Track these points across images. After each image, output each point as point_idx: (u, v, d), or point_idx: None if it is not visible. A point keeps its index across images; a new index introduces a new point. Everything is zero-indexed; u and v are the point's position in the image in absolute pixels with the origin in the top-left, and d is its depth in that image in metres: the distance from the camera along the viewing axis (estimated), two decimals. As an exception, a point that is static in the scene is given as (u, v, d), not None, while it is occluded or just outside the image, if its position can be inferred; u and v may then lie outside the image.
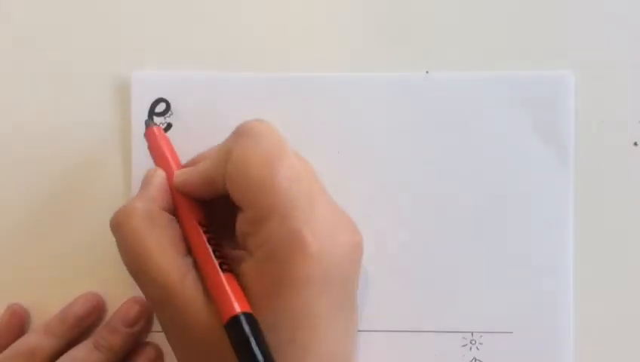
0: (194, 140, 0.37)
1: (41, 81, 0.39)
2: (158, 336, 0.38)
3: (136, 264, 0.32)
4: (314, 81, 0.38)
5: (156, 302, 0.32)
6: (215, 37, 0.39)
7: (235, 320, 0.29)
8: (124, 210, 0.33)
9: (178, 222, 0.34)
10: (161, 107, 0.38)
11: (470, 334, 0.37)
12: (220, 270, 0.31)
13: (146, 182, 0.34)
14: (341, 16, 0.39)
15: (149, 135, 0.37)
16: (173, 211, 0.34)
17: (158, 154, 0.36)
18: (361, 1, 0.39)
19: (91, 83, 0.38)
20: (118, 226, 0.33)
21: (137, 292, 0.37)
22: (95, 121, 0.38)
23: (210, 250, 0.32)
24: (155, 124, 0.37)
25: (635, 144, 0.38)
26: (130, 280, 0.37)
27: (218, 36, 0.39)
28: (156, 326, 0.38)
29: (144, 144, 0.37)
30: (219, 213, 0.34)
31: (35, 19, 0.39)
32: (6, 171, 0.39)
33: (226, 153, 0.32)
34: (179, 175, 0.34)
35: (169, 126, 0.38)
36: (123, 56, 0.39)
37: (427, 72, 0.38)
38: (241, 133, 0.32)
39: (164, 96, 0.38)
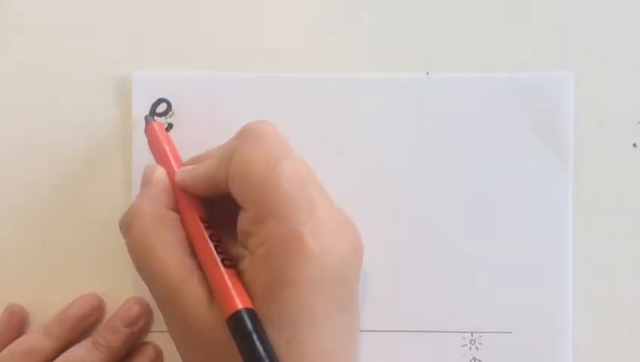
0: (195, 141, 0.37)
1: (41, 81, 0.39)
2: (158, 336, 0.38)
3: (143, 264, 0.33)
4: (314, 81, 0.38)
5: (161, 301, 0.33)
6: (215, 37, 0.39)
7: (237, 315, 0.30)
8: (132, 211, 0.33)
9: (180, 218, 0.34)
10: (162, 107, 0.37)
11: (470, 334, 0.37)
12: (221, 265, 0.31)
13: (146, 179, 0.35)
14: (341, 17, 0.39)
15: (149, 131, 0.37)
16: (176, 208, 0.34)
17: (158, 150, 0.36)
18: (362, 2, 0.39)
19: (91, 83, 0.38)
20: (128, 228, 0.33)
21: (137, 292, 0.38)
22: (95, 121, 0.38)
23: (212, 245, 0.32)
24: (155, 120, 0.37)
25: (634, 145, 0.38)
26: (130, 280, 0.38)
27: (218, 36, 0.39)
28: (156, 326, 0.38)
29: (145, 144, 0.37)
30: (220, 210, 0.34)
31: (35, 20, 0.39)
32: (6, 171, 0.38)
33: (229, 153, 0.32)
34: (181, 172, 0.34)
35: (170, 126, 0.38)
36: (123, 56, 0.39)
37: (427, 72, 0.38)
38: (244, 134, 0.32)
39: (165, 97, 0.38)
